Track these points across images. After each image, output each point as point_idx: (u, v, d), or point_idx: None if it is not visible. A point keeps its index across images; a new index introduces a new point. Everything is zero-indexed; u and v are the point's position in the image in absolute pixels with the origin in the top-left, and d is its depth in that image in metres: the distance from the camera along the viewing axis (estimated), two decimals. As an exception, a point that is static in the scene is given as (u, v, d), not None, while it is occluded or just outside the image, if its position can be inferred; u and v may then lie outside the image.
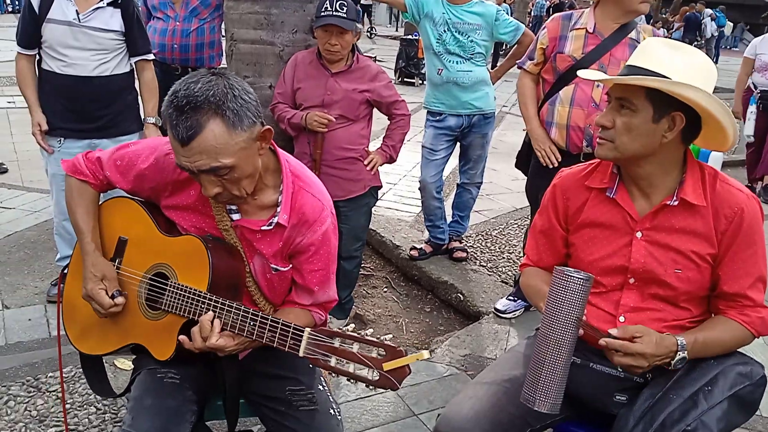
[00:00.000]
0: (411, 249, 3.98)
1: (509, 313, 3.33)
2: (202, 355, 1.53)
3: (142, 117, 3.21)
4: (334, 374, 1.38)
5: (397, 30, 22.38)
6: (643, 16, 3.61)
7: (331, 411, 1.64)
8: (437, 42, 3.54)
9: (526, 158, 3.18)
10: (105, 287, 1.63)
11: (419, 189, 3.87)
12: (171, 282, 1.57)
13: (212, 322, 1.49)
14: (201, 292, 1.51)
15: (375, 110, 3.01)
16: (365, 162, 2.94)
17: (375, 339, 1.36)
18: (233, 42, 2.98)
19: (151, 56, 3.17)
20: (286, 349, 1.43)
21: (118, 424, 2.38)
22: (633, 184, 1.65)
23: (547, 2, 20.52)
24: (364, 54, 3.07)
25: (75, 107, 2.98)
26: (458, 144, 3.82)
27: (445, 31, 3.52)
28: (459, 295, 3.60)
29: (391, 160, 3.06)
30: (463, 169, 3.89)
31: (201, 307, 1.51)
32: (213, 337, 1.47)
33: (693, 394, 1.51)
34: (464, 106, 3.61)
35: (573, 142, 2.83)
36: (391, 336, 1.38)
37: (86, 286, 1.63)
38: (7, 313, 3.10)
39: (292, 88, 2.86)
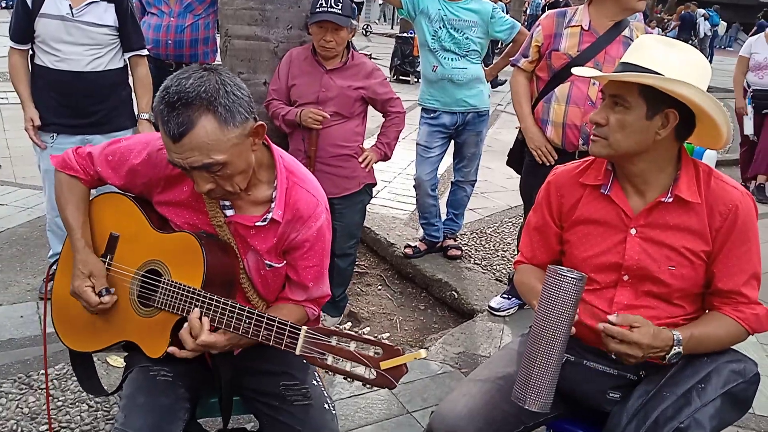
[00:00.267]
0: (405, 247, 3.97)
1: (503, 311, 3.33)
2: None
3: (136, 113, 3.19)
4: (330, 372, 1.37)
5: (392, 27, 22.38)
6: (640, 14, 3.61)
7: (326, 406, 1.64)
8: (432, 38, 3.53)
9: (518, 156, 3.18)
10: (92, 285, 1.61)
11: (414, 187, 3.87)
12: (164, 279, 1.56)
13: (201, 320, 1.47)
14: (195, 290, 1.50)
15: (370, 108, 3.00)
16: (360, 159, 2.93)
17: (372, 338, 1.35)
18: (228, 38, 2.96)
19: (145, 52, 3.16)
20: (283, 348, 1.42)
21: (111, 421, 2.36)
22: (627, 181, 1.65)
23: (543, 0, 20.55)
24: (360, 51, 3.06)
25: (68, 102, 2.96)
26: (452, 142, 3.82)
27: (440, 27, 3.51)
28: (453, 292, 3.59)
29: (386, 157, 3.05)
30: (458, 167, 3.88)
31: (195, 304, 1.49)
32: (203, 334, 1.46)
33: (686, 391, 1.51)
34: (459, 103, 3.61)
35: (569, 140, 2.83)
36: (387, 335, 1.37)
37: (73, 284, 1.62)
38: (-1, 310, 3.09)
39: (286, 84, 2.85)
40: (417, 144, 3.77)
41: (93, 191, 1.76)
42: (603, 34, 2.77)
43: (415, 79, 11.15)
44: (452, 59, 3.54)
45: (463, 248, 4.06)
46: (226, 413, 1.69)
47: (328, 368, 1.36)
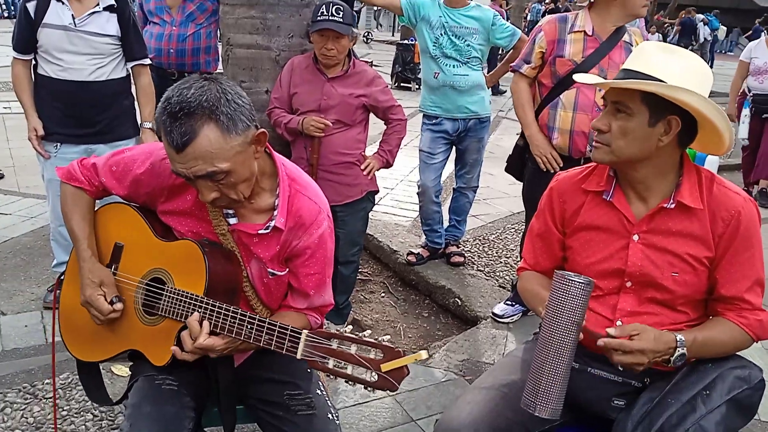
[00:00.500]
0: (408, 254, 3.98)
1: (507, 317, 3.33)
2: (199, 361, 1.53)
3: (139, 122, 3.21)
4: (332, 376, 1.37)
5: (393, 35, 22.44)
6: (642, 20, 3.62)
7: (330, 415, 1.63)
8: (434, 45, 3.54)
9: (518, 162, 3.17)
10: (104, 293, 1.62)
11: (418, 193, 3.87)
12: (168, 287, 1.57)
13: (201, 323, 1.48)
14: (198, 297, 1.51)
15: (372, 115, 3.01)
16: (362, 167, 2.94)
17: (373, 340, 1.35)
18: (229, 47, 2.98)
19: (148, 61, 3.17)
20: (284, 352, 1.42)
21: (115, 431, 2.36)
22: (630, 187, 1.65)
23: (543, 7, 20.60)
24: (361, 59, 3.07)
25: (71, 112, 2.97)
26: (454, 148, 3.83)
27: (441, 34, 3.52)
28: (457, 299, 3.59)
29: (388, 164, 3.06)
30: (459, 174, 3.89)
31: (197, 311, 1.50)
32: (201, 337, 1.47)
33: (691, 398, 1.51)
34: (460, 109, 3.62)
35: (576, 147, 2.82)
36: (388, 337, 1.37)
37: (85, 293, 1.62)
38: (3, 320, 3.09)
39: (288, 92, 2.86)
40: (420, 150, 3.78)
41: (98, 202, 1.77)
42: (606, 40, 2.78)
43: (417, 86, 11.18)
44: (454, 66, 3.55)
45: (466, 255, 4.06)
46: (226, 421, 1.69)
47: (330, 372, 1.36)
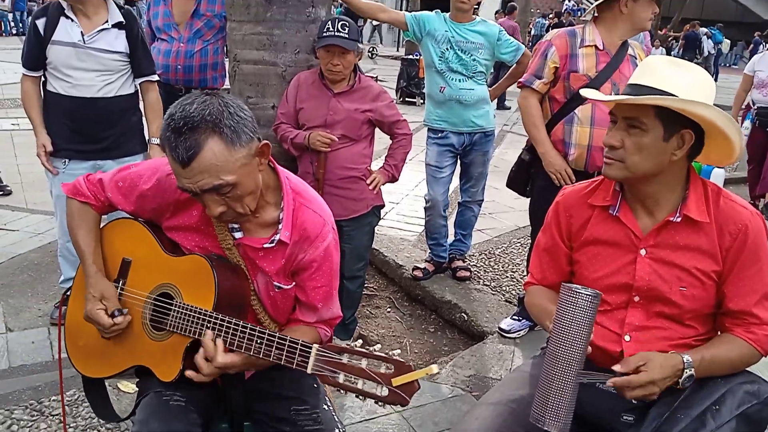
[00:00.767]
0: (414, 269, 3.97)
1: (514, 332, 3.31)
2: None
3: (147, 138, 3.23)
4: (341, 391, 1.37)
5: (398, 50, 22.57)
6: (647, 34, 3.64)
7: (336, 430, 1.63)
8: (439, 60, 3.56)
9: (524, 177, 3.16)
10: (104, 307, 1.62)
11: (426, 208, 3.87)
12: (176, 302, 1.57)
13: (215, 342, 1.47)
14: (206, 311, 1.51)
15: (377, 130, 3.03)
16: (368, 181, 2.95)
17: (383, 354, 1.34)
18: (236, 63, 3.00)
19: (156, 77, 3.20)
20: (294, 367, 1.41)
21: (121, 447, 2.36)
22: (638, 202, 1.65)
23: (547, 22, 20.71)
24: (366, 74, 3.09)
25: (80, 128, 2.99)
26: (458, 162, 3.84)
27: (447, 49, 3.54)
28: (463, 314, 3.58)
29: (394, 179, 3.07)
30: (465, 188, 3.90)
31: (206, 326, 1.50)
32: (219, 356, 1.46)
33: (701, 413, 1.49)
34: (466, 123, 3.63)
35: (593, 162, 2.80)
36: (398, 351, 1.37)
37: (86, 307, 1.63)
38: (10, 336, 3.09)
39: (294, 108, 2.88)
40: (427, 165, 3.79)
41: (104, 217, 1.78)
42: (615, 54, 2.79)
43: (421, 101, 11.23)
44: (460, 80, 3.56)
45: (472, 269, 4.05)
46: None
47: (340, 386, 1.35)
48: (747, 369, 1.60)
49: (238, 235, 1.62)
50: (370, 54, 19.47)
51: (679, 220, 1.60)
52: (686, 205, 1.60)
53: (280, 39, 2.91)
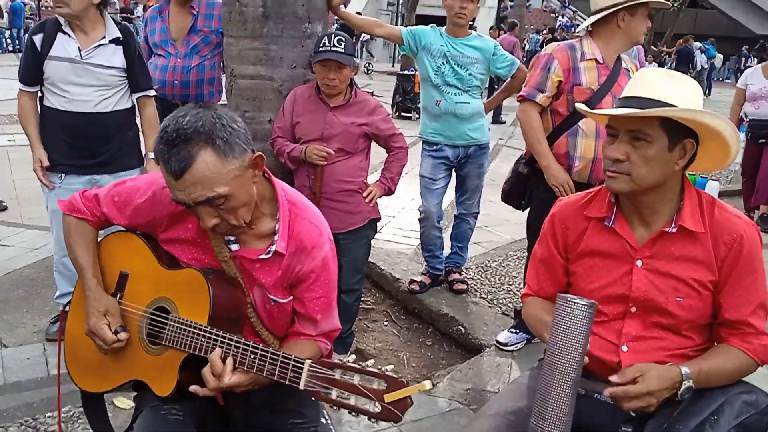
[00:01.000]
0: (410, 282, 3.97)
1: (511, 345, 3.30)
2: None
3: (144, 153, 3.23)
4: (335, 407, 1.36)
5: (393, 65, 22.71)
6: (642, 48, 3.68)
7: (334, 445, 1.62)
8: (435, 74, 3.59)
9: (522, 190, 3.17)
10: (108, 322, 1.62)
11: (420, 219, 3.88)
12: (171, 316, 1.57)
13: (224, 360, 1.46)
14: (200, 326, 1.51)
15: (373, 144, 3.04)
16: (364, 194, 2.96)
17: (376, 370, 1.34)
18: (233, 77, 3.02)
19: (153, 92, 3.21)
20: (287, 382, 1.41)
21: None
22: (635, 213, 1.66)
23: (542, 37, 20.89)
24: (362, 89, 3.11)
25: (76, 143, 3.00)
26: (453, 176, 3.86)
27: (443, 63, 3.57)
28: (460, 327, 3.57)
29: (390, 192, 3.08)
30: (460, 200, 3.91)
31: (200, 341, 1.49)
32: (226, 376, 1.45)
33: (699, 424, 1.49)
34: (462, 137, 3.65)
35: (597, 174, 2.82)
36: (392, 366, 1.36)
37: (89, 322, 1.62)
38: (5, 352, 3.07)
39: (291, 122, 2.89)
40: (421, 176, 3.80)
41: (101, 232, 1.78)
42: (613, 67, 2.82)
43: (417, 116, 11.28)
44: (456, 94, 3.59)
45: (468, 282, 4.05)
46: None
47: (333, 402, 1.35)
48: (744, 379, 1.61)
49: (234, 247, 1.62)
50: (365, 70, 19.58)
51: (674, 230, 1.61)
52: (681, 216, 1.61)
53: (276, 54, 2.93)
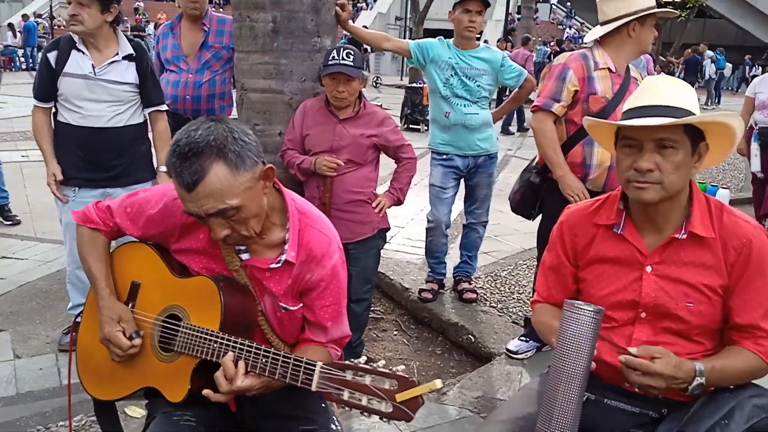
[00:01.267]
0: (420, 292, 3.98)
1: (521, 353, 3.30)
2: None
3: (155, 166, 3.28)
4: (347, 408, 1.37)
5: (401, 78, 22.82)
6: (651, 58, 3.69)
7: (345, 452, 1.63)
8: (444, 86, 3.62)
9: (533, 199, 3.17)
10: (122, 329, 1.64)
11: (428, 228, 3.90)
12: (183, 323, 1.59)
13: (236, 364, 1.48)
14: (212, 332, 1.53)
15: (382, 155, 3.07)
16: (373, 205, 2.98)
17: (387, 370, 1.35)
18: (244, 91, 3.06)
19: (165, 107, 3.26)
20: (299, 384, 1.42)
21: (130, 472, 2.35)
22: (645, 220, 1.66)
23: (549, 49, 20.94)
24: (371, 102, 3.14)
25: (90, 158, 3.05)
26: (463, 185, 3.88)
27: (452, 75, 3.60)
28: (470, 336, 3.57)
29: (399, 202, 3.10)
30: (470, 210, 3.93)
31: (213, 346, 1.52)
32: (238, 379, 1.47)
33: (710, 427, 1.49)
34: (471, 147, 3.68)
35: (612, 182, 2.84)
36: (402, 367, 1.38)
37: (103, 330, 1.65)
38: (18, 363, 3.11)
39: (301, 134, 2.93)
40: (431, 185, 3.82)
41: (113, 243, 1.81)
42: (625, 76, 2.85)
43: (425, 128, 11.33)
44: (465, 105, 3.62)
45: (478, 291, 4.06)
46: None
47: (345, 403, 1.36)
48: (755, 383, 1.61)
49: (245, 256, 1.65)
50: (374, 83, 19.69)
51: (684, 236, 1.61)
52: (691, 222, 1.61)
53: (286, 68, 2.97)
